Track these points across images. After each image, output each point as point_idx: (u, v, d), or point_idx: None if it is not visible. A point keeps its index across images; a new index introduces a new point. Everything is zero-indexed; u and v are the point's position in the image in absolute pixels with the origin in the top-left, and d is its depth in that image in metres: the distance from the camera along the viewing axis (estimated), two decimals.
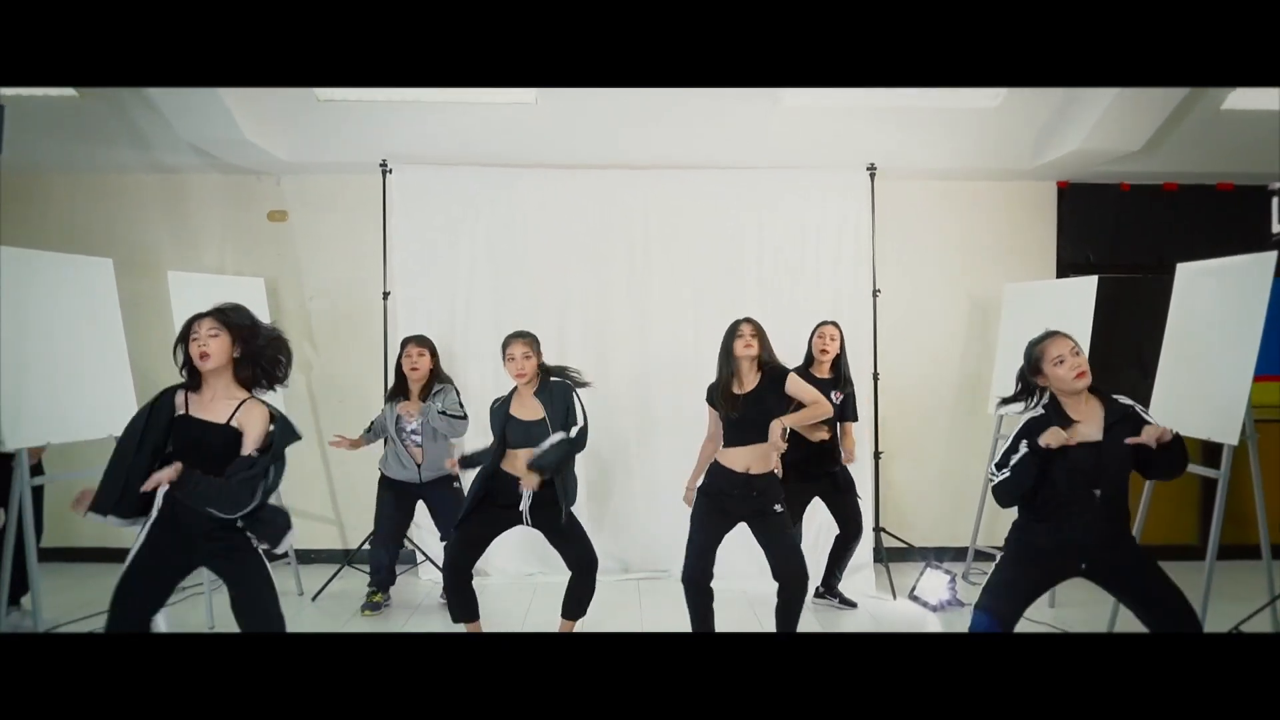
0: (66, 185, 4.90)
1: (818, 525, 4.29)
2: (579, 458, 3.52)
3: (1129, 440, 2.49)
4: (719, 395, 3.20)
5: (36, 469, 3.61)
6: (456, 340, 4.63)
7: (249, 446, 2.39)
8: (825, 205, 4.72)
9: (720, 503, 3.17)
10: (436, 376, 4.02)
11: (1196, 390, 3.53)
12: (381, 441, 4.11)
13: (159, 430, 2.40)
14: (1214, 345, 3.46)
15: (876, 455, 4.68)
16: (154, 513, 2.40)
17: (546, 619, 3.95)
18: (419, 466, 3.95)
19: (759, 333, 3.19)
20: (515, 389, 3.38)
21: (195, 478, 2.31)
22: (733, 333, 3.20)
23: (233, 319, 2.45)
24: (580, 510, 4.67)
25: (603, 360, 4.70)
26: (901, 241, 4.95)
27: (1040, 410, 2.64)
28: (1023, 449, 2.56)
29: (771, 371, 3.18)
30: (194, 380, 2.45)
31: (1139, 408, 2.59)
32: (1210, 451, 3.94)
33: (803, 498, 3.95)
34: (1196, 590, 3.53)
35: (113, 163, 4.78)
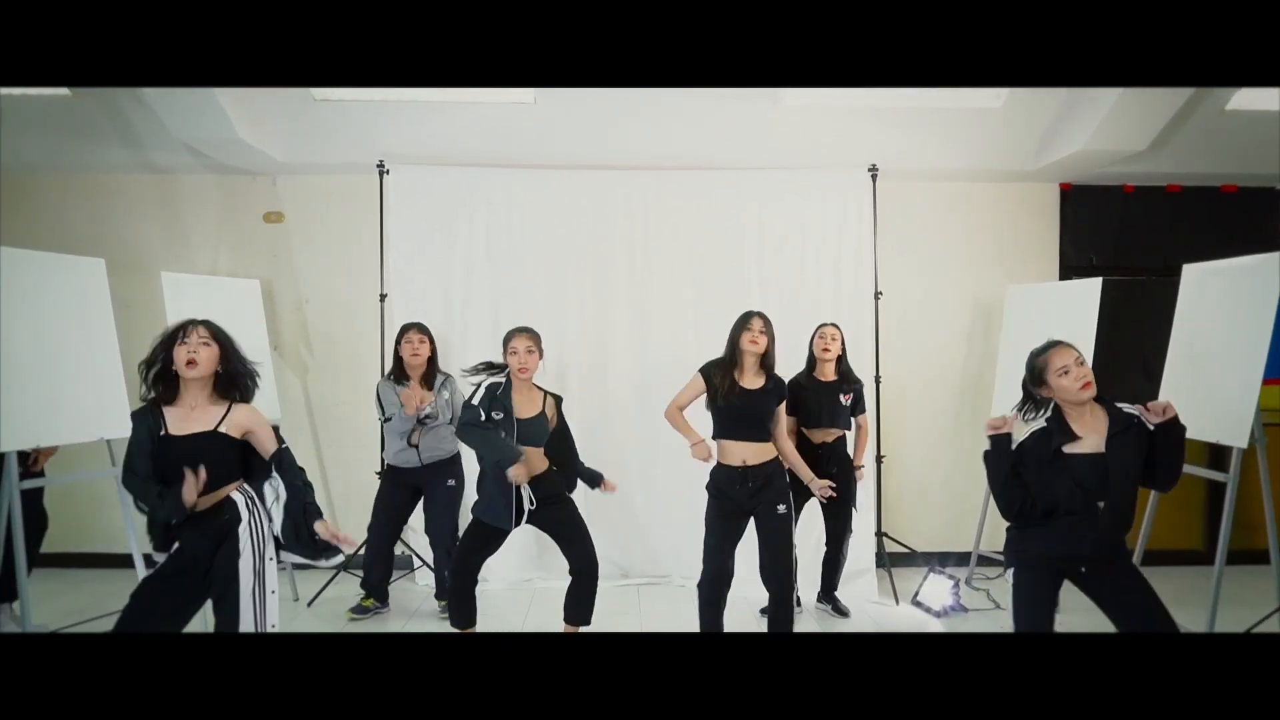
0: (58, 184, 4.85)
1: (818, 535, 4.22)
2: (582, 455, 3.50)
3: (1142, 415, 2.47)
4: (720, 378, 3.14)
5: (40, 472, 3.57)
6: (454, 341, 4.57)
7: (263, 444, 2.47)
8: (826, 206, 4.67)
9: (724, 501, 3.14)
10: (435, 365, 4.02)
11: (1204, 393, 3.49)
12: (380, 431, 4.06)
13: (149, 455, 2.36)
14: (1222, 347, 3.42)
15: (879, 459, 4.63)
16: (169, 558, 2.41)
17: (545, 623, 3.91)
18: (418, 449, 3.92)
19: (768, 329, 3.15)
20: (509, 382, 3.31)
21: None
22: (743, 324, 3.16)
23: (221, 333, 2.47)
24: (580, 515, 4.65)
25: (602, 361, 4.66)
26: (903, 243, 4.90)
27: (1043, 423, 2.59)
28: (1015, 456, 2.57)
29: (777, 384, 3.18)
30: (169, 392, 2.41)
31: (1144, 414, 2.54)
32: (1217, 455, 3.90)
33: (800, 496, 3.90)
34: (1204, 595, 3.49)
35: (105, 162, 4.73)
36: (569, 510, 3.39)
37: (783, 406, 3.22)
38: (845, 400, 3.91)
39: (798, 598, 3.66)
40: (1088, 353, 4.00)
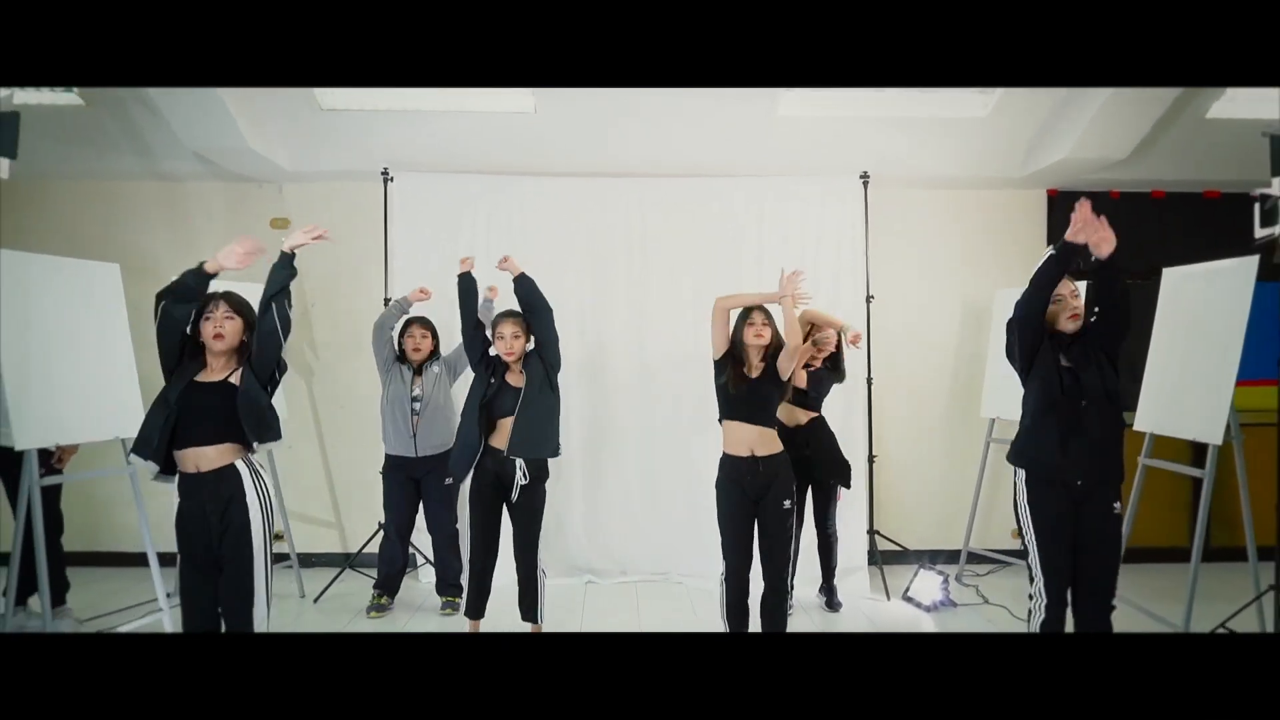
0: (71, 191, 4.96)
1: (811, 535, 4.33)
2: (577, 458, 3.61)
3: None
4: (728, 369, 3.28)
5: (60, 471, 3.69)
6: (457, 342, 4.67)
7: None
8: (820, 212, 4.80)
9: (733, 492, 3.24)
10: (436, 357, 4.24)
11: (1183, 392, 3.61)
12: (380, 419, 4.20)
13: (178, 390, 2.54)
14: (1199, 348, 3.54)
15: (870, 459, 4.74)
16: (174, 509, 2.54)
17: (547, 620, 3.98)
18: (415, 438, 4.06)
19: (770, 322, 3.28)
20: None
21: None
22: (745, 319, 3.29)
23: (244, 306, 2.65)
24: (578, 512, 4.78)
25: (601, 363, 4.77)
26: (895, 247, 5.02)
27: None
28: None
29: (772, 368, 3.30)
30: (199, 359, 2.59)
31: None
32: (1201, 454, 4.00)
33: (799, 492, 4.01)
34: (1185, 589, 3.60)
35: (116, 169, 4.84)
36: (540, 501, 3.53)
37: (781, 357, 3.30)
38: (816, 365, 4.00)
39: (791, 589, 3.77)
40: None
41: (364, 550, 4.65)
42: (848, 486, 4.12)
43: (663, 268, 4.79)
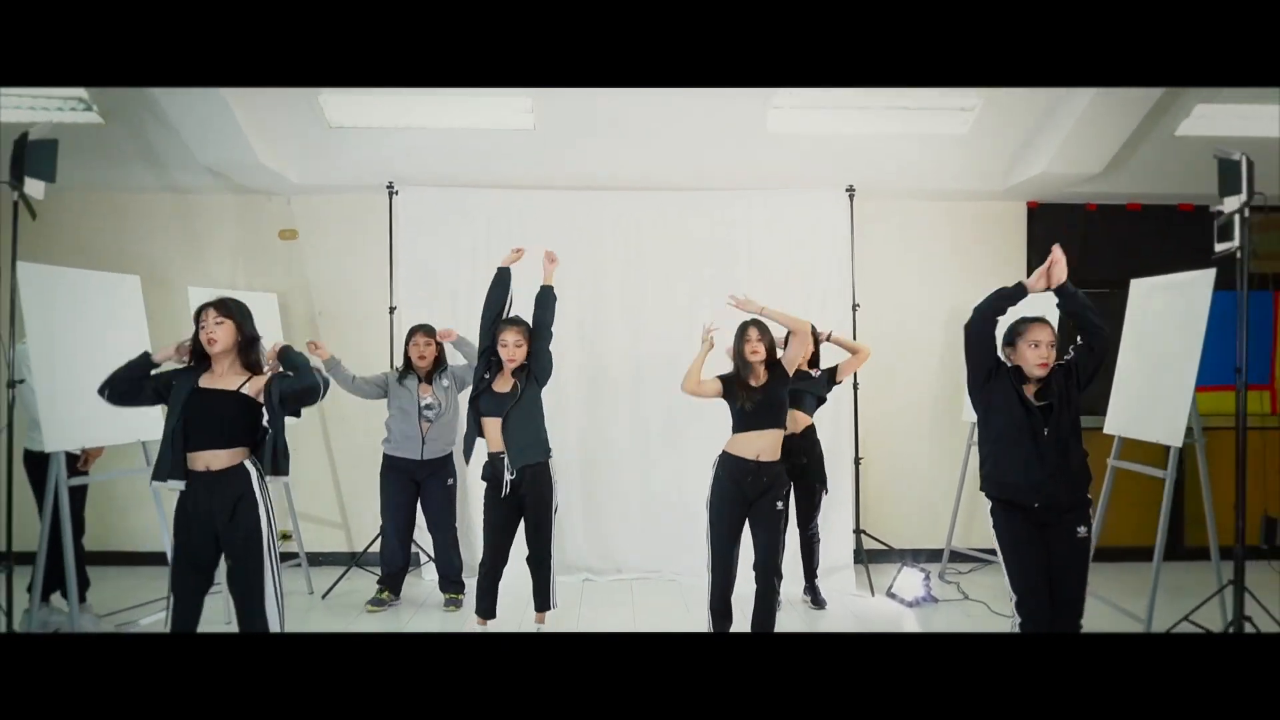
0: (87, 202, 5.14)
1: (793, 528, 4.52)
2: (574, 460, 3.78)
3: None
4: (735, 387, 3.47)
5: (85, 473, 3.88)
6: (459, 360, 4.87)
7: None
8: (808, 223, 4.99)
9: (732, 490, 3.42)
10: (442, 364, 4.40)
11: (1148, 398, 3.80)
12: (385, 421, 4.38)
13: (180, 402, 2.73)
14: (1162, 355, 3.74)
15: (857, 461, 4.94)
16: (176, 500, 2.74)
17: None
18: (423, 442, 4.24)
19: (764, 335, 3.48)
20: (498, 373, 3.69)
21: (290, 352, 2.82)
22: (741, 337, 3.48)
23: (232, 309, 2.82)
24: (576, 512, 4.96)
25: (598, 368, 4.97)
26: (880, 258, 5.22)
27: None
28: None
29: (776, 367, 3.50)
30: (204, 364, 2.79)
31: (1061, 362, 2.91)
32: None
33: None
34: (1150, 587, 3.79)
35: (131, 182, 5.04)
36: (546, 495, 3.70)
37: (785, 362, 3.54)
38: (816, 373, 4.21)
39: (778, 587, 3.96)
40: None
41: (369, 549, 4.83)
42: (826, 490, 4.33)
43: (657, 277, 4.99)
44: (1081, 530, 2.85)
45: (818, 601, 4.40)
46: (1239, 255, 3.28)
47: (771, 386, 3.45)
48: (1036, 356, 2.84)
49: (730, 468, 3.44)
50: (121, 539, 5.04)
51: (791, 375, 3.52)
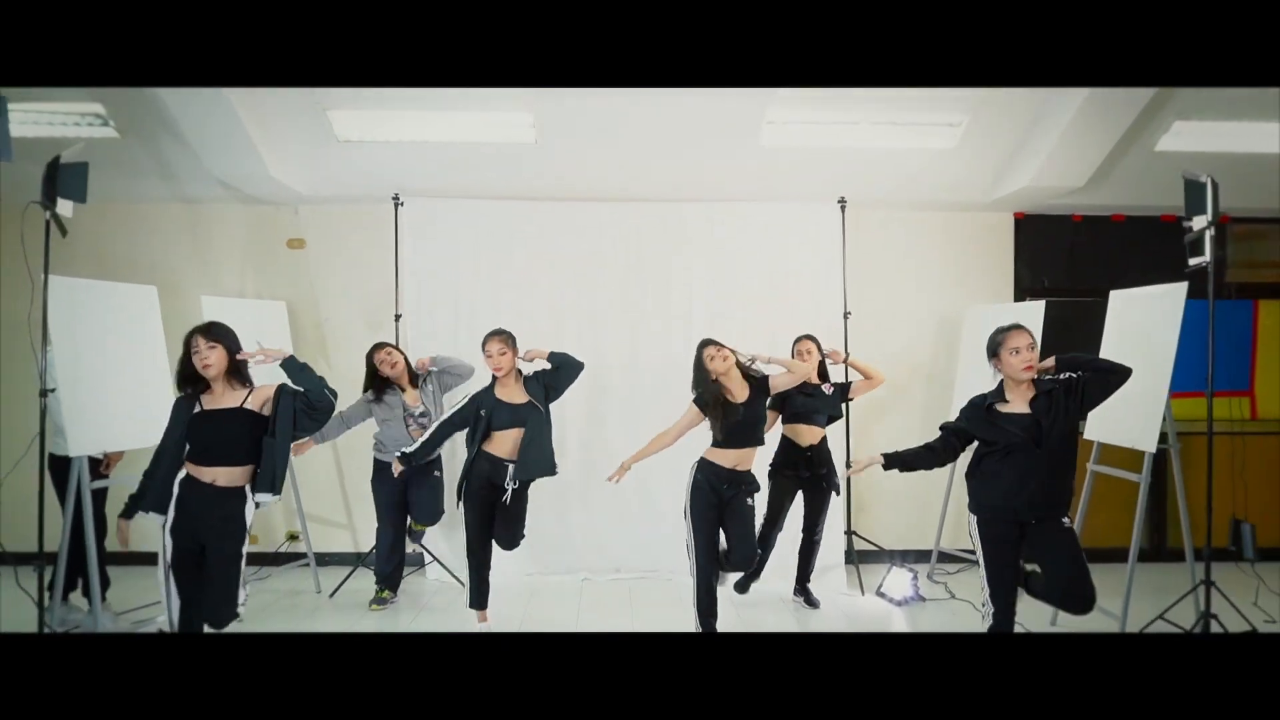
0: (101, 213, 5.26)
1: (793, 536, 4.67)
2: (573, 463, 3.95)
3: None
4: (714, 405, 3.62)
5: (106, 476, 4.03)
6: (464, 355, 5.01)
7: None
8: (800, 233, 5.16)
9: (709, 496, 3.62)
10: (411, 369, 4.57)
11: (1124, 404, 3.94)
12: (374, 434, 4.55)
13: (181, 429, 2.89)
14: (1138, 363, 3.87)
15: (848, 464, 5.08)
16: (170, 512, 2.89)
17: (544, 617, 4.30)
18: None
19: (722, 345, 3.65)
20: (495, 380, 3.86)
21: (296, 362, 2.96)
22: (700, 355, 3.66)
23: (219, 333, 2.96)
24: (575, 515, 5.11)
25: (597, 372, 5.11)
26: (871, 268, 5.38)
27: (985, 392, 3.11)
28: (956, 420, 3.13)
29: (757, 382, 3.67)
30: (203, 387, 2.94)
31: (1063, 378, 3.03)
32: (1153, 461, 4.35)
33: (789, 493, 4.38)
34: (1135, 586, 3.95)
35: (143, 193, 5.19)
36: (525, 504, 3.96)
37: (771, 381, 3.74)
38: (828, 390, 4.37)
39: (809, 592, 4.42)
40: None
41: (373, 550, 4.97)
42: (838, 492, 4.50)
43: (655, 284, 5.16)
44: (1065, 520, 3.00)
45: (810, 602, 4.55)
46: (1209, 270, 3.43)
47: (752, 403, 3.62)
48: (1020, 362, 2.96)
49: (709, 473, 3.63)
50: (136, 539, 5.16)
51: (773, 394, 3.70)
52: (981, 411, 3.05)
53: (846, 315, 5.10)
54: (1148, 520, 5.45)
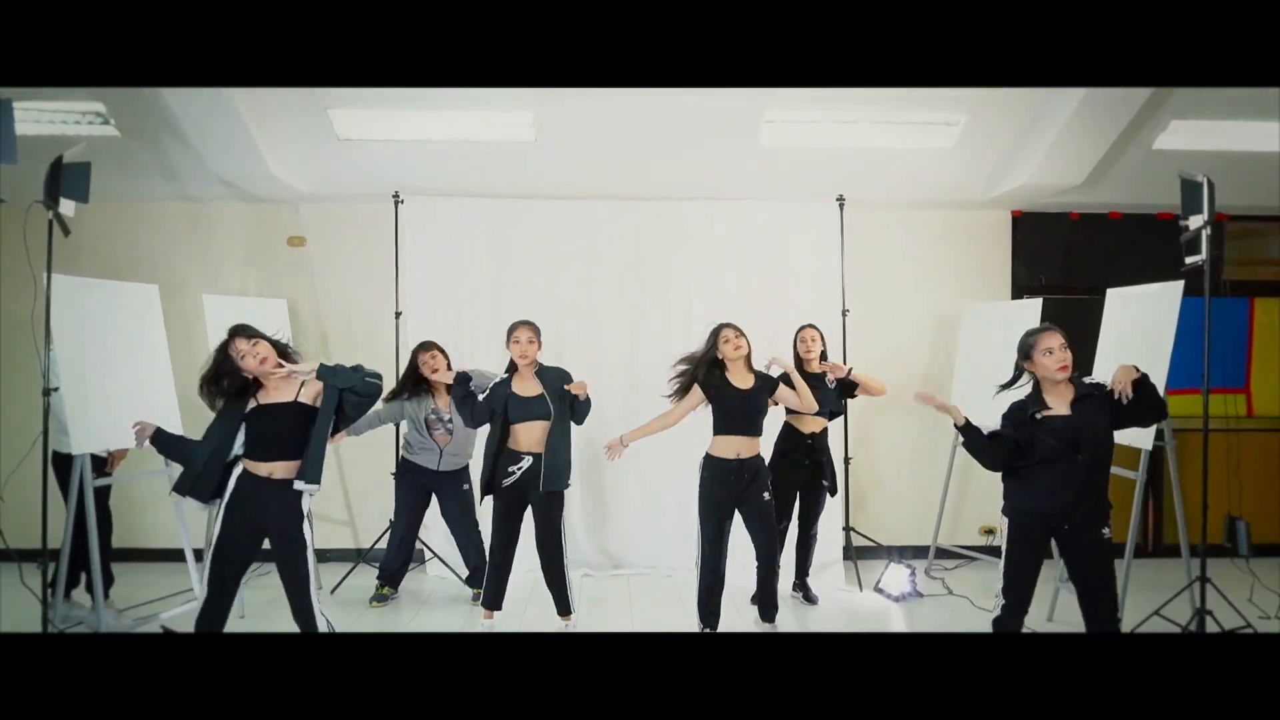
0: (104, 212, 5.27)
1: (793, 525, 4.70)
2: (576, 457, 3.98)
3: (1115, 388, 2.90)
4: (718, 385, 3.64)
5: (110, 474, 4.04)
6: (464, 352, 5.03)
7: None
8: (799, 232, 5.18)
9: (716, 490, 3.64)
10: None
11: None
12: (404, 434, 4.55)
13: (234, 423, 2.93)
14: (1134, 360, 3.90)
15: (847, 461, 5.12)
16: (227, 495, 2.92)
17: (545, 616, 4.30)
18: (440, 453, 4.41)
19: (743, 334, 3.67)
20: (513, 372, 3.86)
21: (328, 368, 2.97)
22: (717, 336, 3.68)
23: (254, 330, 3.01)
24: (576, 512, 5.13)
25: (597, 370, 5.10)
26: (869, 266, 5.40)
27: (1023, 394, 3.08)
28: (1001, 426, 3.05)
29: (765, 380, 3.70)
30: (256, 386, 2.99)
31: (1106, 386, 3.00)
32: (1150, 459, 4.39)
33: (795, 485, 4.39)
34: (1134, 582, 3.98)
35: (145, 192, 5.20)
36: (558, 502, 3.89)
37: (781, 391, 3.75)
38: (831, 383, 4.39)
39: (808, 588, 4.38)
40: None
41: (375, 546, 5.00)
42: (833, 492, 4.51)
43: (654, 283, 5.18)
44: (1106, 532, 2.97)
45: (809, 598, 4.58)
46: (1205, 269, 3.46)
47: (751, 395, 3.64)
48: (1054, 362, 2.94)
49: (714, 469, 3.65)
50: (139, 536, 5.21)
51: (772, 395, 3.73)
52: (1026, 419, 3.00)
53: (845, 313, 5.12)
54: (1143, 517, 5.49)
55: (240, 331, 2.97)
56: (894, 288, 5.50)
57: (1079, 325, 5.11)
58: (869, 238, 5.42)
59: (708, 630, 3.73)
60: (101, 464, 3.90)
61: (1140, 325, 3.94)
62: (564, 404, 3.81)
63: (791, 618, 4.36)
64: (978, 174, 5.10)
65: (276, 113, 4.54)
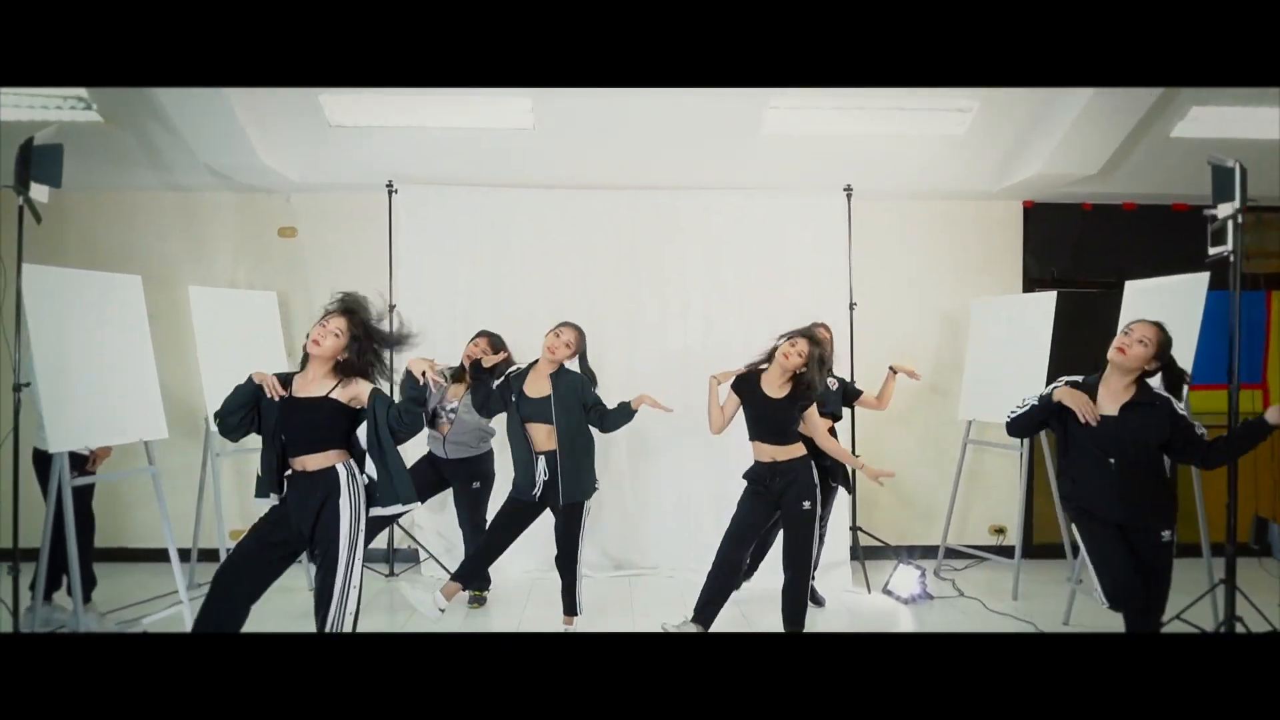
0: (90, 202, 5.15)
1: None
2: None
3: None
4: (750, 390, 3.51)
5: (93, 472, 3.89)
6: (459, 345, 4.89)
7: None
8: (805, 224, 5.03)
9: (754, 488, 3.55)
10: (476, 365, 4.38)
11: None
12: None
13: (271, 416, 2.83)
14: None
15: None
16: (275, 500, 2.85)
17: (545, 616, 4.19)
18: (444, 441, 4.29)
19: (808, 353, 3.41)
20: (532, 367, 3.74)
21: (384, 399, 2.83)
22: (788, 336, 3.49)
23: (359, 330, 2.87)
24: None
25: (593, 362, 4.92)
26: (877, 258, 5.25)
27: (1081, 377, 3.03)
28: (1039, 399, 3.01)
29: (800, 396, 3.47)
30: (303, 362, 2.87)
31: (1174, 402, 2.90)
32: None
33: (825, 493, 4.25)
34: None
35: (133, 182, 5.05)
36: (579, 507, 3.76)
37: (811, 411, 3.55)
38: (833, 385, 4.26)
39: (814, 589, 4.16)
40: (1043, 358, 4.37)
41: (371, 546, 4.84)
42: (850, 490, 4.38)
43: (653, 275, 5.03)
44: (1165, 534, 2.90)
45: (815, 599, 4.44)
46: (1232, 260, 3.31)
47: (779, 405, 3.47)
48: (1116, 341, 2.92)
49: (754, 473, 3.56)
50: (127, 536, 5.07)
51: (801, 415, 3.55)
52: (1050, 400, 2.96)
53: (852, 306, 4.98)
54: None
55: (344, 312, 2.89)
56: (901, 280, 5.36)
57: (1090, 319, 5.00)
58: (875, 229, 5.27)
59: (695, 622, 3.53)
60: (83, 462, 3.75)
61: (1162, 319, 3.79)
62: (572, 415, 3.68)
63: None
64: (990, 163, 4.96)
65: (266, 99, 4.38)
